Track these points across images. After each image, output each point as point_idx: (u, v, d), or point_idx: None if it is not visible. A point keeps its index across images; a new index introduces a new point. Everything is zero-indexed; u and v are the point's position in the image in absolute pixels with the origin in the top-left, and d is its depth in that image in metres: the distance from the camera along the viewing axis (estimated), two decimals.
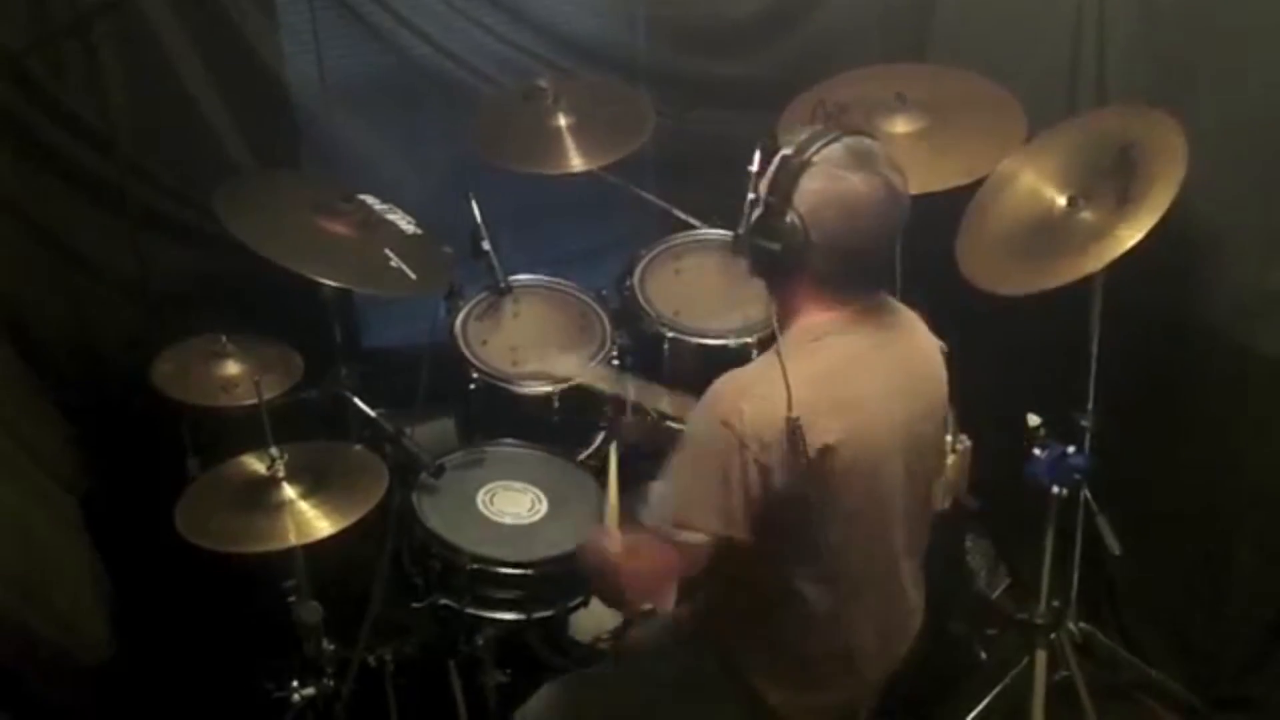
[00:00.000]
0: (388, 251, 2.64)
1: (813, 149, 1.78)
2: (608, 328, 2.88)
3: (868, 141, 1.82)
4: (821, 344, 1.82)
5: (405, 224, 2.76)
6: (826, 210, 1.76)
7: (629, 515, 2.01)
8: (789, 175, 1.78)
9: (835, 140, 1.79)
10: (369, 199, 2.77)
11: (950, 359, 2.01)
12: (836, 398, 1.79)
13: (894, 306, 1.95)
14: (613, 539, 1.96)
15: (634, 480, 2.03)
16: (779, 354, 1.76)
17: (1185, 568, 2.77)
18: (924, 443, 1.94)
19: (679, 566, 1.84)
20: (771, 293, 1.90)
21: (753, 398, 1.76)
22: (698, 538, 1.79)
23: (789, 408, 1.71)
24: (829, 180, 1.76)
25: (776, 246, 1.79)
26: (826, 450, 1.76)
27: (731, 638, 1.99)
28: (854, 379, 1.83)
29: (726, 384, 1.82)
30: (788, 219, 1.77)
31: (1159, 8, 2.61)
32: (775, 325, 1.85)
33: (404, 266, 2.61)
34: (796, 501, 1.77)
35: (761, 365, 1.83)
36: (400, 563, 2.52)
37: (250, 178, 2.95)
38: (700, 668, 2.01)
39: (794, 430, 1.71)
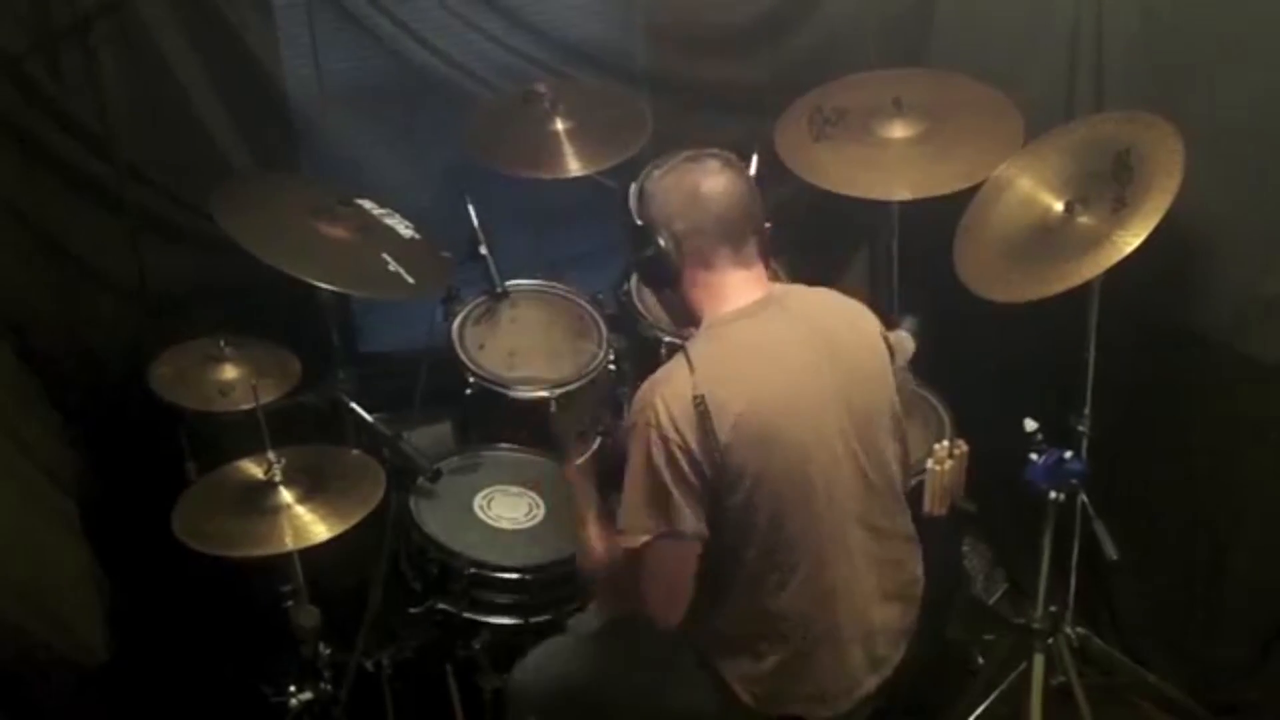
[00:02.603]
0: (385, 255, 2.64)
1: (646, 168, 1.97)
2: (604, 332, 2.88)
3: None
4: (727, 328, 1.92)
5: (403, 228, 2.76)
6: (673, 198, 1.92)
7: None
8: (635, 195, 1.95)
9: (661, 157, 1.97)
10: (367, 203, 2.78)
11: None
12: (740, 370, 1.87)
13: (806, 291, 2.03)
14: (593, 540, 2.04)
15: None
16: (684, 348, 1.88)
17: (1182, 572, 2.77)
18: (866, 420, 1.95)
19: (650, 575, 1.88)
20: (676, 302, 1.99)
21: (663, 389, 1.86)
22: (639, 539, 1.85)
23: (693, 387, 1.81)
24: (661, 175, 1.95)
25: (650, 251, 1.92)
26: (737, 422, 1.82)
27: (697, 632, 1.99)
28: (758, 355, 1.90)
29: (643, 389, 1.91)
30: (648, 226, 1.92)
31: (1157, 13, 2.61)
32: (688, 333, 1.96)
33: (402, 270, 2.61)
34: (724, 479, 1.83)
35: (670, 361, 1.93)
36: (398, 567, 2.52)
37: (248, 181, 2.95)
38: (684, 656, 2.02)
39: (699, 406, 1.80)
